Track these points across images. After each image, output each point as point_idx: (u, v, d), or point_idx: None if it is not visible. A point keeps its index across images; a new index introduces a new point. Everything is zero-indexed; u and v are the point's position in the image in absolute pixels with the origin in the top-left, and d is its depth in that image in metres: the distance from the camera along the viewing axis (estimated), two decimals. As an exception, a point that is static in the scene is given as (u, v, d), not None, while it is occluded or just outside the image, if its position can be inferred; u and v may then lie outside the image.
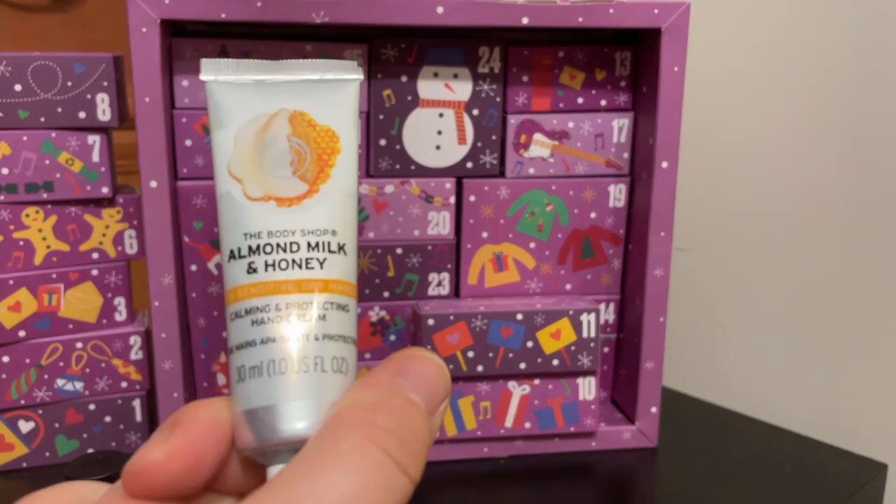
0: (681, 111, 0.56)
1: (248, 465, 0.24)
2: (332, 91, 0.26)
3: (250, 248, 0.24)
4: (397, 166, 0.57)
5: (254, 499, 0.20)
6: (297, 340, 0.23)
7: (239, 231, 0.25)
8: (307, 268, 0.24)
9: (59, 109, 0.53)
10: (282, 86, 0.25)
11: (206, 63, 0.25)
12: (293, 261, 0.24)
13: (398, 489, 0.21)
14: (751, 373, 0.78)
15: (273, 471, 0.23)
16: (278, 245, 0.24)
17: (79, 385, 0.57)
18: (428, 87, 0.56)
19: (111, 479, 0.43)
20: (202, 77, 0.25)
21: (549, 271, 0.61)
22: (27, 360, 0.55)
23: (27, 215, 0.54)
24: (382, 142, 0.57)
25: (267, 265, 0.24)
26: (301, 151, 0.25)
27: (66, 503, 0.23)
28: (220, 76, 0.25)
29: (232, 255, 0.25)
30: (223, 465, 0.24)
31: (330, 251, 0.25)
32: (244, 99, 0.25)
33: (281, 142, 0.25)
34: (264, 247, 0.24)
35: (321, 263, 0.24)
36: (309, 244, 0.24)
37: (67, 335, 0.57)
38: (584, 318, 0.57)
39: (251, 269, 0.24)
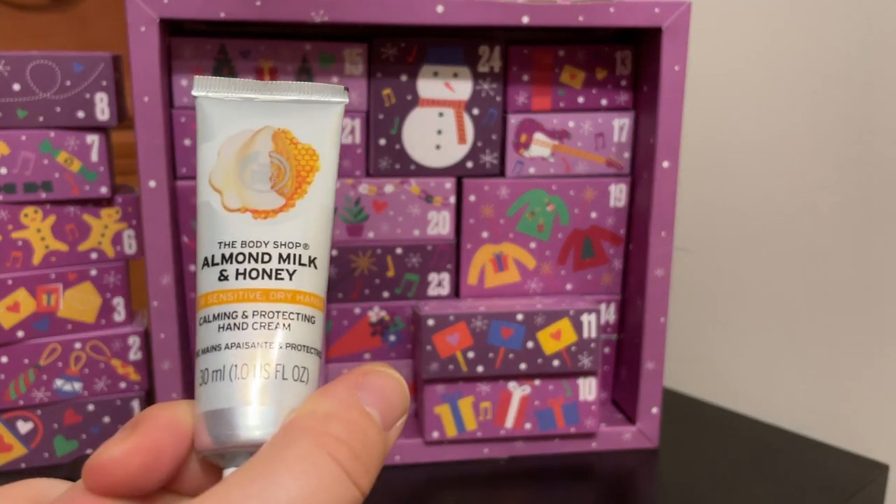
0: (682, 111, 0.56)
1: (207, 467, 0.25)
2: (316, 112, 0.27)
3: (223, 256, 0.25)
4: (397, 166, 0.57)
5: (205, 497, 0.20)
6: (260, 347, 0.24)
7: (214, 239, 0.25)
8: (276, 278, 0.25)
9: (58, 109, 0.53)
10: (268, 105, 0.26)
11: (199, 80, 0.26)
12: (263, 271, 0.25)
13: (346, 499, 0.21)
14: (752, 373, 0.77)
15: (228, 472, 0.24)
16: (250, 255, 0.25)
17: (77, 385, 0.57)
18: (428, 86, 0.56)
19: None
20: (194, 93, 0.26)
21: (549, 271, 0.61)
22: (26, 361, 0.55)
23: (26, 215, 0.54)
24: (382, 141, 0.57)
25: (238, 273, 0.25)
26: (281, 167, 0.26)
27: (25, 500, 0.23)
28: (211, 92, 0.26)
29: (205, 263, 0.25)
30: (182, 465, 0.24)
31: (300, 264, 0.25)
32: (231, 114, 0.26)
33: (262, 157, 0.26)
34: (237, 256, 0.25)
35: (290, 275, 0.25)
36: (280, 255, 0.25)
37: (66, 335, 0.56)
38: (584, 318, 0.57)
39: (222, 277, 0.25)
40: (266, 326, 0.24)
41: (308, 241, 0.26)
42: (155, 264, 0.52)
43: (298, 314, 0.25)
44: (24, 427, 0.56)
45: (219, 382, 0.24)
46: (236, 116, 0.26)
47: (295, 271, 0.25)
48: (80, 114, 0.53)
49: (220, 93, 0.26)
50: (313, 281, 0.26)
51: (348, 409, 0.23)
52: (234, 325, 0.24)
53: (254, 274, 0.25)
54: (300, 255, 0.25)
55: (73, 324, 0.56)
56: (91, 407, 0.57)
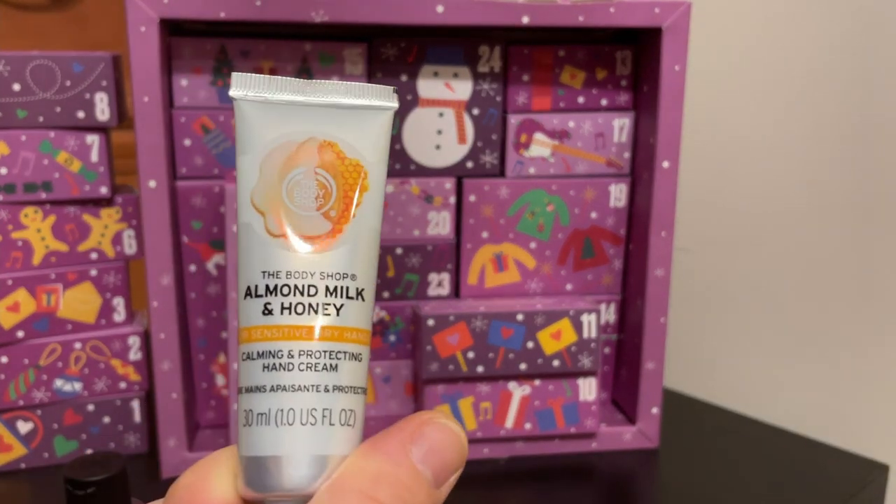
0: (682, 111, 0.56)
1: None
2: (365, 120, 0.25)
3: (267, 287, 0.24)
4: (397, 166, 0.57)
5: None
6: (306, 390, 0.23)
7: (257, 268, 0.24)
8: (323, 314, 0.24)
9: (58, 109, 0.53)
10: (313, 109, 0.25)
11: (237, 78, 0.25)
12: (310, 305, 0.24)
13: None
14: (752, 373, 0.77)
15: None
16: (296, 287, 0.24)
17: (77, 385, 0.57)
18: (428, 86, 0.56)
19: (110, 480, 0.42)
20: (231, 93, 0.25)
21: (549, 271, 0.61)
22: (26, 361, 0.55)
23: (26, 215, 0.54)
24: (382, 141, 0.56)
25: (283, 307, 0.24)
26: (327, 186, 0.25)
27: None
28: (251, 92, 0.25)
29: (248, 293, 0.24)
30: None
31: (348, 297, 0.24)
32: (273, 121, 0.25)
33: (308, 174, 0.24)
34: (282, 287, 0.24)
35: (338, 310, 0.24)
36: (327, 288, 0.24)
37: (66, 336, 0.56)
38: (584, 318, 0.57)
39: (267, 311, 0.24)
40: (312, 368, 0.23)
41: (356, 271, 0.24)
42: (155, 264, 0.52)
43: (346, 353, 0.24)
44: (24, 427, 0.56)
45: (263, 427, 0.23)
46: (279, 123, 0.25)
47: (342, 305, 0.24)
48: (80, 114, 0.53)
49: (262, 93, 0.25)
50: (360, 315, 0.24)
51: (398, 468, 0.22)
52: (280, 365, 0.23)
53: (300, 309, 0.24)
54: (347, 288, 0.24)
55: (72, 324, 0.56)
56: (91, 407, 0.57)
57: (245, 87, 0.25)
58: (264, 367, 0.23)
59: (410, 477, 0.22)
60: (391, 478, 0.22)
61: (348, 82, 0.25)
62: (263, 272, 0.24)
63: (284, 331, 0.24)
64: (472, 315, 0.56)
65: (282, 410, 0.23)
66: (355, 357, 0.24)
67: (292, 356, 0.23)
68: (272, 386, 0.23)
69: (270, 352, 0.23)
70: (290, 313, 0.24)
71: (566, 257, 0.61)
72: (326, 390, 0.23)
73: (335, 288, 0.24)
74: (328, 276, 0.24)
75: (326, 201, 0.24)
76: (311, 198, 0.24)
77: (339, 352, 0.24)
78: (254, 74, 0.25)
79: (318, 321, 0.24)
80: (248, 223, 0.24)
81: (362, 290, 0.25)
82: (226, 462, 0.24)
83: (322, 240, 0.24)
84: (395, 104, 0.25)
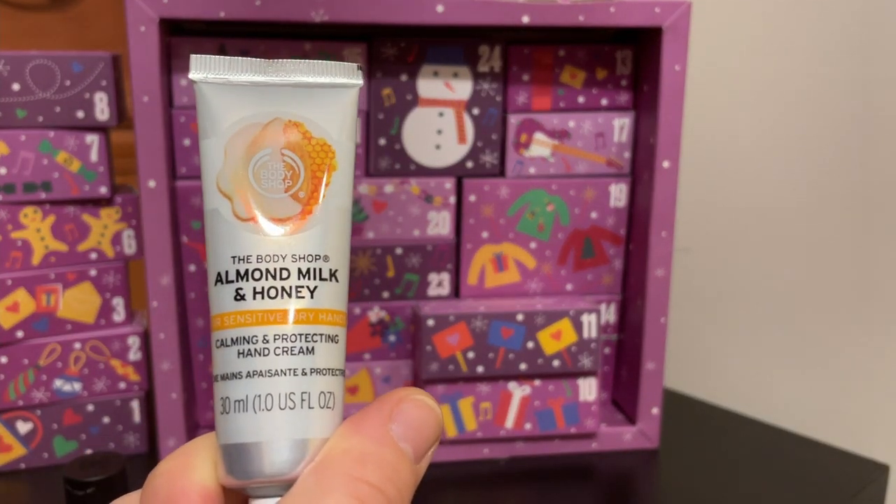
0: (682, 110, 0.56)
1: (231, 493, 0.24)
2: (330, 98, 0.25)
3: (238, 272, 0.23)
4: (397, 166, 0.57)
5: None
6: (283, 374, 0.23)
7: (227, 253, 0.24)
8: (297, 297, 0.23)
9: (58, 109, 0.53)
10: (277, 89, 0.24)
11: (195, 60, 0.24)
12: (283, 288, 0.23)
13: None
14: (752, 374, 0.77)
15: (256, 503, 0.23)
16: (268, 271, 0.23)
17: (77, 386, 0.57)
18: (428, 86, 0.56)
19: (109, 480, 0.42)
20: (191, 76, 0.24)
21: (549, 271, 0.61)
22: (25, 361, 0.55)
23: (25, 215, 0.54)
24: (382, 141, 0.56)
25: (255, 292, 0.23)
26: (295, 167, 0.24)
27: None
28: (211, 75, 0.24)
29: (219, 279, 0.24)
30: None
31: (321, 278, 0.24)
32: (236, 103, 0.24)
33: (274, 156, 0.24)
34: (253, 272, 0.23)
35: (311, 292, 0.24)
36: (300, 271, 0.24)
37: (66, 336, 0.56)
38: (584, 318, 0.57)
39: (239, 296, 0.23)
40: (288, 351, 0.23)
41: (328, 251, 0.24)
42: (154, 264, 0.52)
43: (322, 335, 0.23)
44: (23, 427, 0.56)
45: (241, 414, 0.23)
46: (242, 105, 0.24)
47: (316, 287, 0.24)
48: (80, 114, 0.53)
49: (223, 75, 0.24)
50: (335, 296, 0.24)
51: (382, 447, 0.22)
52: (255, 350, 0.23)
53: (272, 293, 0.23)
54: (320, 269, 0.24)
55: (72, 324, 0.56)
56: (90, 407, 0.57)
57: (205, 69, 0.24)
58: (239, 353, 0.23)
59: (395, 455, 0.22)
60: (376, 457, 0.22)
61: (312, 60, 0.24)
62: (233, 257, 0.24)
63: (258, 316, 0.23)
64: (472, 315, 0.56)
65: (259, 396, 0.23)
66: (331, 339, 0.24)
67: (267, 341, 0.23)
68: (248, 372, 0.23)
69: (244, 338, 0.23)
70: (262, 298, 0.23)
71: (566, 257, 0.61)
72: (304, 374, 0.23)
73: (308, 270, 0.24)
74: (300, 258, 0.24)
75: (294, 182, 0.24)
76: (279, 179, 0.24)
77: (315, 334, 0.23)
78: (214, 56, 0.24)
79: (292, 304, 0.23)
80: (215, 209, 0.24)
81: (336, 270, 0.24)
82: (205, 449, 0.24)
83: (292, 222, 0.24)
84: (359, 81, 0.25)
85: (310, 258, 0.24)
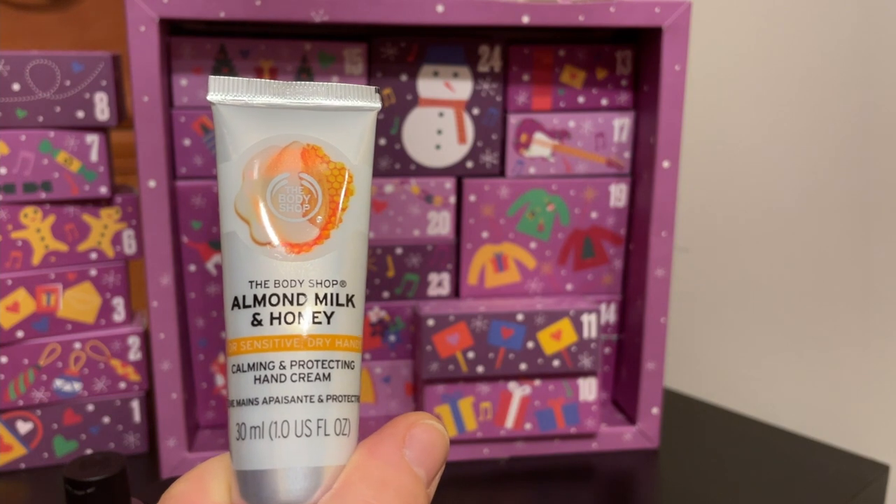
0: (682, 110, 0.56)
1: None
2: (348, 122, 0.24)
3: (255, 297, 0.23)
4: (397, 166, 0.57)
5: None
6: (300, 401, 0.23)
7: (244, 278, 0.24)
8: (314, 322, 0.23)
9: (58, 109, 0.53)
10: (295, 112, 0.24)
11: (214, 81, 0.24)
12: (300, 314, 0.23)
13: None
14: (753, 374, 0.77)
15: None
16: (285, 296, 0.23)
17: (77, 386, 0.57)
18: (428, 85, 0.56)
19: (109, 480, 0.42)
20: (210, 97, 0.24)
21: (549, 271, 0.61)
22: (25, 361, 0.55)
23: (25, 215, 0.54)
24: (382, 141, 0.56)
25: (272, 318, 0.23)
26: (313, 192, 0.24)
27: None
28: (229, 97, 0.24)
29: (236, 303, 0.24)
30: None
31: (338, 304, 0.24)
32: (253, 126, 0.24)
33: (292, 180, 0.24)
34: (270, 297, 0.23)
35: (328, 318, 0.23)
36: (317, 296, 0.23)
37: (66, 336, 0.56)
38: (585, 318, 0.57)
39: (255, 321, 0.23)
40: (305, 378, 0.23)
41: (345, 277, 0.24)
42: (154, 264, 0.52)
43: (338, 361, 0.23)
44: (23, 427, 0.56)
45: (257, 441, 0.23)
46: (259, 128, 0.24)
47: (332, 313, 0.23)
48: (80, 114, 0.53)
49: (241, 97, 0.24)
50: (351, 322, 0.24)
51: (399, 473, 0.22)
52: (272, 377, 0.23)
53: (289, 318, 0.23)
54: (337, 295, 0.24)
55: (72, 324, 0.56)
56: (91, 407, 0.57)
57: (223, 90, 0.24)
58: (255, 379, 0.23)
59: (412, 481, 0.22)
60: (395, 484, 0.22)
61: (329, 83, 0.24)
62: (251, 282, 0.23)
63: (275, 341, 0.23)
64: (472, 315, 0.56)
65: (275, 423, 0.23)
66: (347, 365, 0.24)
67: (284, 367, 0.23)
68: (264, 398, 0.23)
69: (261, 363, 0.23)
70: (279, 323, 0.23)
71: (566, 257, 0.61)
72: (320, 400, 0.23)
73: (325, 295, 0.24)
74: (317, 283, 0.24)
75: (312, 207, 0.24)
76: (297, 204, 0.24)
77: (332, 360, 0.23)
78: (231, 77, 0.24)
79: (309, 330, 0.23)
80: (232, 232, 0.24)
81: (352, 296, 0.24)
82: (220, 471, 0.23)
83: (309, 247, 0.24)
84: (377, 104, 0.25)
85: (327, 283, 0.24)
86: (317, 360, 0.23)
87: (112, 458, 0.55)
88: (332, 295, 0.24)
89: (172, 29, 0.53)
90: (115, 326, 0.58)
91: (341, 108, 0.24)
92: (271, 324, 0.23)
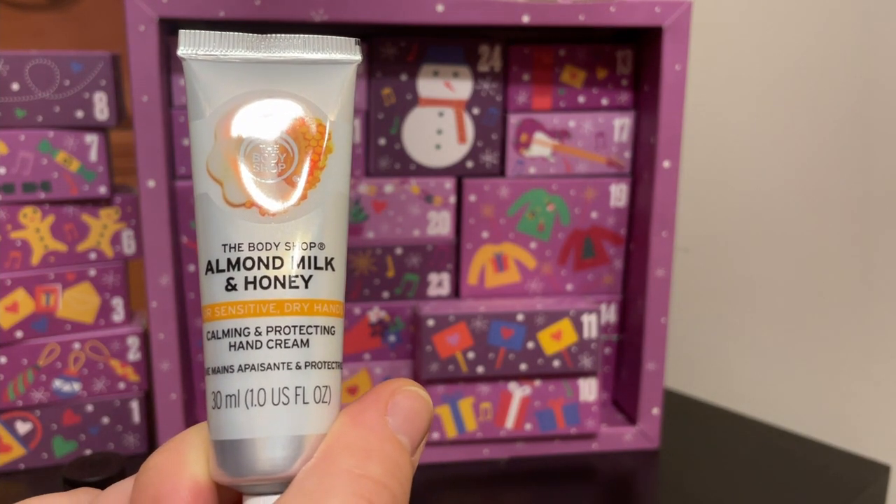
0: (682, 110, 0.56)
1: (224, 489, 0.23)
2: (326, 76, 0.23)
3: (229, 261, 0.22)
4: (397, 166, 0.57)
5: None
6: (277, 369, 0.22)
7: (217, 241, 0.22)
8: (291, 286, 0.22)
9: (57, 109, 0.53)
10: (270, 66, 0.23)
11: (184, 35, 0.23)
12: (276, 278, 0.22)
13: None
14: (753, 374, 0.77)
15: (251, 501, 0.22)
16: (260, 260, 0.22)
17: (76, 386, 0.57)
18: (428, 85, 0.56)
19: (109, 480, 0.42)
20: (179, 53, 0.23)
21: (549, 271, 0.61)
22: (24, 361, 0.55)
23: (24, 215, 0.54)
24: (382, 141, 0.56)
25: (247, 282, 0.22)
26: (289, 150, 0.23)
27: None
28: (201, 51, 0.23)
29: (209, 268, 0.23)
30: None
31: (316, 267, 0.23)
32: (226, 81, 0.23)
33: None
34: (245, 261, 0.22)
35: (306, 282, 0.22)
36: (294, 259, 0.22)
37: (65, 336, 0.56)
38: (585, 318, 0.57)
39: (230, 286, 0.22)
40: (282, 344, 0.22)
41: (324, 239, 0.23)
42: (154, 264, 0.52)
43: (317, 327, 0.22)
44: (22, 428, 0.56)
45: (233, 409, 0.22)
46: (233, 84, 0.23)
47: (311, 277, 0.22)
48: (79, 113, 0.53)
49: (213, 51, 0.23)
50: (331, 286, 0.23)
51: (383, 441, 0.22)
52: (247, 343, 0.22)
53: (265, 282, 0.22)
54: (316, 258, 0.23)
55: (71, 324, 0.56)
56: (90, 407, 0.57)
57: (194, 45, 0.23)
58: (230, 345, 0.22)
59: (395, 449, 0.22)
60: (379, 453, 0.21)
61: (306, 35, 0.23)
62: (224, 245, 0.22)
63: (250, 307, 0.22)
64: (472, 315, 0.56)
65: (252, 391, 0.22)
66: (328, 330, 0.23)
67: (260, 333, 0.22)
68: (240, 365, 0.22)
69: (236, 330, 0.22)
70: (255, 288, 0.22)
71: (566, 257, 0.60)
72: (298, 367, 0.22)
73: (302, 258, 0.22)
74: (294, 245, 0.22)
75: (288, 166, 0.23)
76: (272, 163, 0.23)
77: (310, 326, 0.22)
78: (203, 31, 0.23)
79: (286, 295, 0.22)
80: (204, 193, 0.23)
81: (332, 259, 0.23)
82: (199, 441, 0.23)
83: (286, 207, 0.23)
84: (357, 57, 0.24)
85: (304, 246, 0.23)
86: (294, 326, 0.22)
87: (111, 459, 0.55)
88: (309, 258, 0.23)
89: (172, 29, 0.53)
90: (114, 327, 0.58)
91: (319, 62, 0.23)
92: (246, 289, 0.22)
